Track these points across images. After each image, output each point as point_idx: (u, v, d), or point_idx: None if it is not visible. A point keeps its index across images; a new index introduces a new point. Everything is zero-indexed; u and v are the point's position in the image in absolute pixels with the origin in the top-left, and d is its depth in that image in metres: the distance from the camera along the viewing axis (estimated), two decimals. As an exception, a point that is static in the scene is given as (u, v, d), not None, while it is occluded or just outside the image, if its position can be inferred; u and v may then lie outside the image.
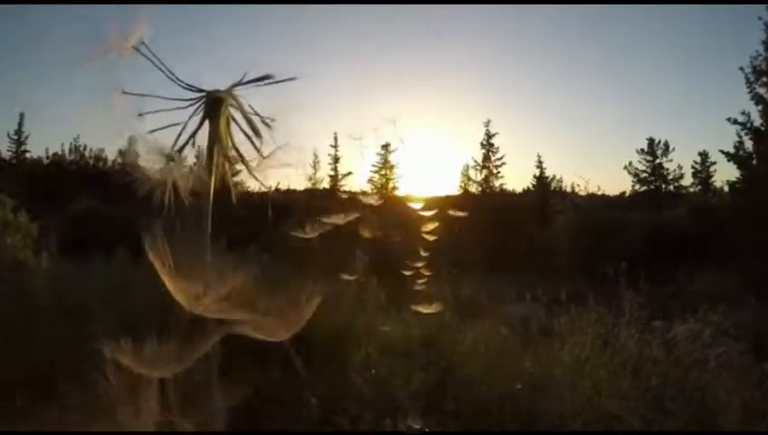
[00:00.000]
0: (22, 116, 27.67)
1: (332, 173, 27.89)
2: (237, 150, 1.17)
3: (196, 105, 1.12)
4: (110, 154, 26.77)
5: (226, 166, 1.17)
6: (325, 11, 34.00)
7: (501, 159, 25.36)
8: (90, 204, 18.65)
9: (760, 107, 14.68)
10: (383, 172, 27.59)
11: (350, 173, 27.90)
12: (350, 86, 42.82)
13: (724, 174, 29.29)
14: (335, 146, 28.04)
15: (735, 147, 14.79)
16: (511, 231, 20.13)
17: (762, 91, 14.69)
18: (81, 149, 25.85)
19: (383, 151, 27.42)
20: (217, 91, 1.13)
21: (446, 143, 34.01)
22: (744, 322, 6.04)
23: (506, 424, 2.75)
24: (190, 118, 1.13)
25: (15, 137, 27.48)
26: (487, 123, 25.59)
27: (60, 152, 26.41)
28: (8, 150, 27.36)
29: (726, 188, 18.84)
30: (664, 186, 25.29)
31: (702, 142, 37.90)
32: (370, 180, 27.18)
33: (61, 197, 19.27)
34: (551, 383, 3.09)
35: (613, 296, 4.60)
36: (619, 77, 38.19)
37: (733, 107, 28.09)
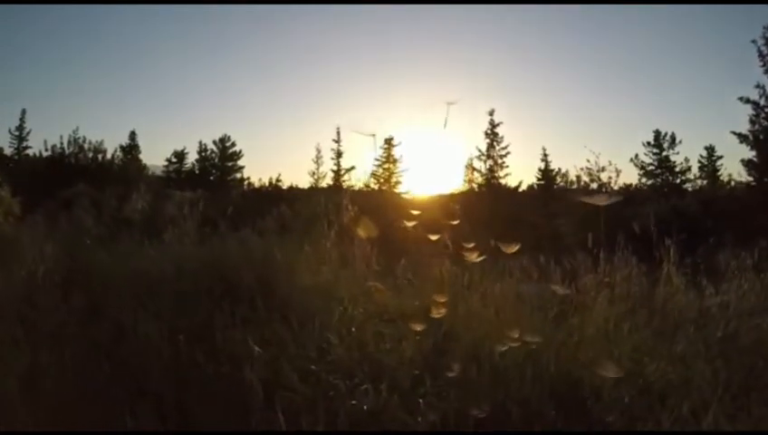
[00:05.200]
0: (23, 112, 27.28)
1: (335, 168, 27.38)
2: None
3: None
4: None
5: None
6: (333, 11, 33.64)
7: (505, 148, 24.55)
8: (80, 188, 18.62)
9: (774, 79, 14.19)
10: (386, 166, 26.98)
11: (353, 168, 27.34)
12: (355, 84, 42.46)
13: (733, 158, 28.63)
14: (338, 141, 27.50)
15: (751, 120, 14.27)
16: (517, 220, 19.48)
17: (775, 62, 14.23)
18: (81, 141, 25.43)
19: (386, 145, 26.87)
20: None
21: (450, 139, 33.41)
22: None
23: (527, 393, 2.09)
24: None
25: (17, 133, 27.06)
26: (491, 112, 24.77)
27: (59, 145, 25.87)
28: (10, 146, 27.01)
29: (740, 171, 18.31)
30: (671, 178, 24.65)
31: (708, 136, 37.38)
32: (374, 174, 26.58)
33: (60, 188, 18.92)
34: (580, 346, 2.44)
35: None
36: (624, 70, 37.73)
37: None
